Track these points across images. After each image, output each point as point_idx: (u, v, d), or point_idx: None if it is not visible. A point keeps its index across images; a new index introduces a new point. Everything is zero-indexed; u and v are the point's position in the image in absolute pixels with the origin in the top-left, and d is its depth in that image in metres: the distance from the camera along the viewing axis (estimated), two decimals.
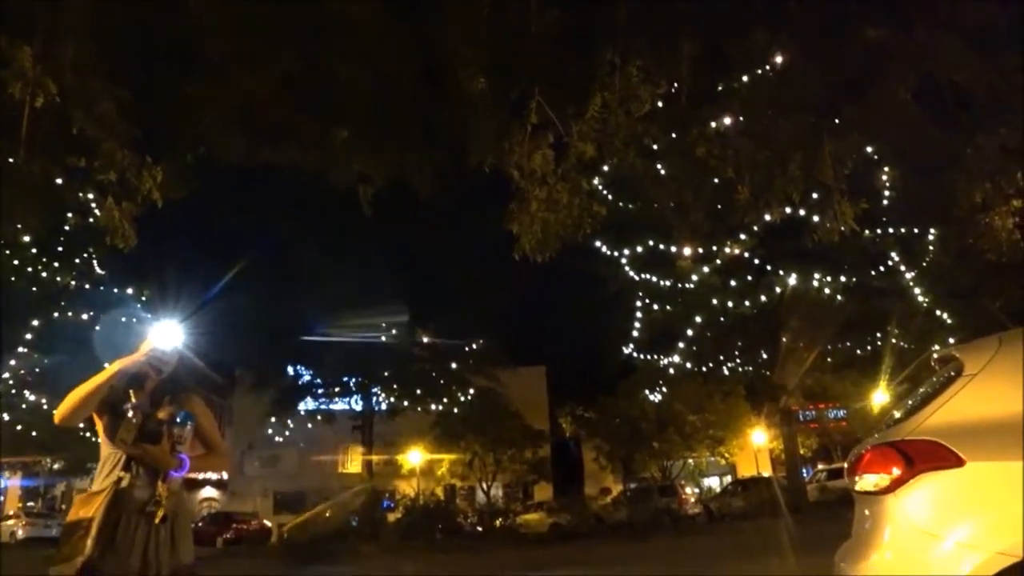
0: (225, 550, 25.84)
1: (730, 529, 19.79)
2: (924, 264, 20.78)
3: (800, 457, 28.20)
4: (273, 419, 32.04)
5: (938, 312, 21.36)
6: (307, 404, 32.42)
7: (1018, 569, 2.30)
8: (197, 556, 3.14)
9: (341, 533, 24.63)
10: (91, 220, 10.28)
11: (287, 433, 35.22)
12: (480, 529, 27.06)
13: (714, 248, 20.22)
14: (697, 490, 34.55)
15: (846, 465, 3.09)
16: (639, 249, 21.38)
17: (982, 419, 2.63)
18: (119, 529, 2.76)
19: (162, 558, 2.83)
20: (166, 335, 3.10)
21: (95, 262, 20.25)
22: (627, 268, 22.12)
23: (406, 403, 30.35)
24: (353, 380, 29.51)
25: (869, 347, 25.08)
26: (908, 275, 20.93)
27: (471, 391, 31.33)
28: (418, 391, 29.45)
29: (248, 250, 31.84)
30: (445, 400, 31.16)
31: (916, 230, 20.32)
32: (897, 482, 2.62)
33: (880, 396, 19.52)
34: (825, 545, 6.04)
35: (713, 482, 40.34)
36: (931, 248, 20.34)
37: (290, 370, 30.49)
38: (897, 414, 3.10)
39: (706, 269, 21.39)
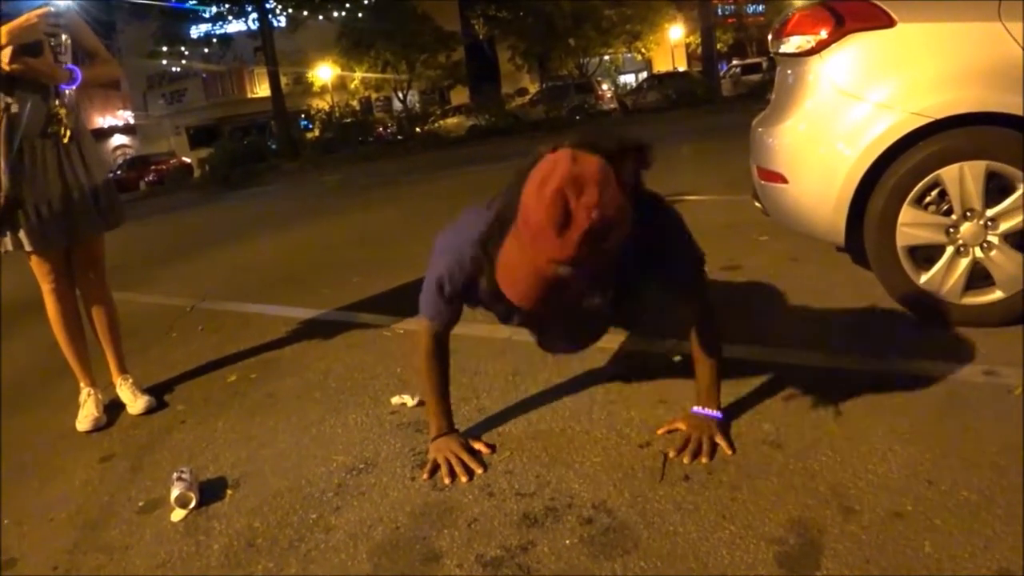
0: (149, 191, 25.70)
1: (644, 120, 20.38)
2: None
3: (716, 52, 28.13)
4: (165, 48, 29.55)
5: None
6: (199, 30, 29.79)
7: (925, 131, 2.37)
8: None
9: (261, 156, 24.62)
10: None
11: (183, 63, 32.89)
12: (400, 137, 27.31)
13: None
14: (614, 86, 34.87)
15: (772, 28, 3.00)
16: None
17: None
18: (26, 156, 2.58)
19: (80, 179, 2.71)
20: None
21: None
22: None
23: (306, 13, 28.22)
24: None
25: None
26: None
27: None
28: None
29: None
30: (347, 5, 28.97)
31: None
32: (823, 43, 2.56)
33: None
34: (735, 129, 6.21)
35: (629, 79, 40.73)
36: None
37: None
38: None
39: None
